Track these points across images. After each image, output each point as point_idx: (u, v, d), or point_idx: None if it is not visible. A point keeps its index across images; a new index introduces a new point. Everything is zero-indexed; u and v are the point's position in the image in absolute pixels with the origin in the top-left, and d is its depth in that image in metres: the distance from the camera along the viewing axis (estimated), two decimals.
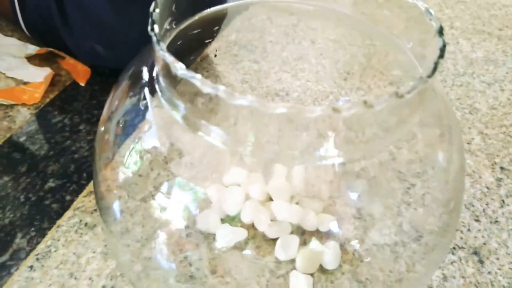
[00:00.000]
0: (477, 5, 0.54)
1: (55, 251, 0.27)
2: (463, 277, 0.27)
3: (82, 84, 0.40)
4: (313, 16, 0.34)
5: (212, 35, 0.35)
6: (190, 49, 0.23)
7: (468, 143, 0.36)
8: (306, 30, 0.41)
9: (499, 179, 0.33)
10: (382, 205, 0.27)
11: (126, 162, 0.17)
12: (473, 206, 0.31)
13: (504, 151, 0.35)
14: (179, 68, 0.13)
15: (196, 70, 0.42)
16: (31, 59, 0.41)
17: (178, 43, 0.21)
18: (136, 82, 0.17)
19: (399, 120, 0.15)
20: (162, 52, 0.13)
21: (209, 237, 0.25)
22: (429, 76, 0.14)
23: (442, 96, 0.21)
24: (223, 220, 0.26)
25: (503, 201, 0.32)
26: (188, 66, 0.14)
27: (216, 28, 0.34)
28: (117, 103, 0.17)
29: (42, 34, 0.41)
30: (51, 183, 0.31)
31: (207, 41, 0.34)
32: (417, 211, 0.25)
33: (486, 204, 0.31)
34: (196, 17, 0.19)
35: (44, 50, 0.41)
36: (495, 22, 0.51)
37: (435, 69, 0.14)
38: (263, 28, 0.43)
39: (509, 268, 0.27)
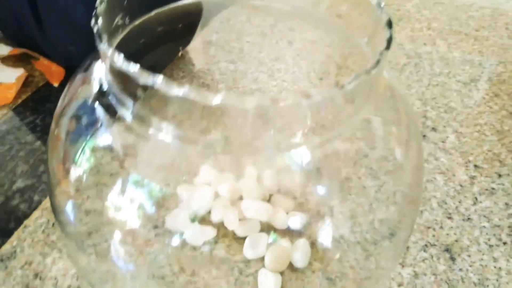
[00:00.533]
0: (454, 7, 0.54)
1: (20, 251, 0.27)
2: (434, 274, 0.27)
3: (56, 85, 0.39)
4: (291, 17, 0.34)
5: (186, 33, 0.35)
6: (153, 48, 0.22)
7: (443, 142, 0.36)
8: (284, 31, 0.41)
9: (473, 177, 0.33)
10: (354, 203, 0.27)
11: (78, 160, 0.17)
12: (446, 203, 0.31)
13: (478, 149, 0.35)
14: (116, 60, 0.13)
15: (172, 71, 0.42)
16: (4, 60, 0.41)
17: (141, 40, 0.21)
18: (89, 76, 0.17)
19: (346, 113, 0.15)
20: (102, 45, 0.13)
21: (178, 237, 0.25)
22: (373, 68, 0.13)
23: (400, 95, 0.21)
24: (192, 220, 0.26)
25: (476, 198, 0.32)
26: (156, 64, 0.14)
27: (191, 27, 0.34)
28: (70, 97, 0.17)
29: (16, 35, 0.40)
30: (19, 184, 0.31)
31: (181, 41, 0.33)
32: (387, 209, 0.25)
33: (459, 202, 0.31)
34: (153, 13, 0.19)
35: (18, 50, 0.41)
36: (472, 23, 0.51)
37: (378, 61, 0.14)
38: (242, 29, 0.43)
39: (480, 265, 0.27)
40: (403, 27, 0.51)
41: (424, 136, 0.36)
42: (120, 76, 0.13)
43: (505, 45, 0.48)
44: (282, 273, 0.25)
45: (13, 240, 0.27)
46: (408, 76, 0.43)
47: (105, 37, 0.13)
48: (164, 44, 0.25)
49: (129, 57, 0.16)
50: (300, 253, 0.25)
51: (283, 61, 0.43)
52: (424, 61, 0.45)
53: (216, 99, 0.12)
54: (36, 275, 0.25)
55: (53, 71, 0.40)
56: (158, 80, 0.12)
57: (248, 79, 0.41)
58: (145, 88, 0.14)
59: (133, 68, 0.12)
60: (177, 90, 0.12)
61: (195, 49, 0.42)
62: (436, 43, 0.48)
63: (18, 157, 0.32)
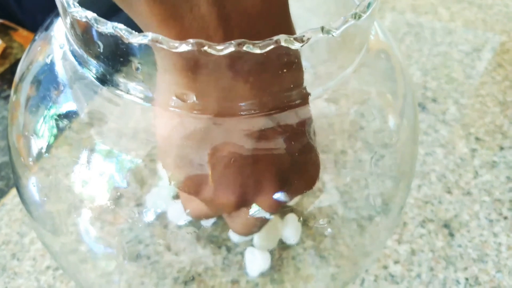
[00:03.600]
0: None
1: None
2: (432, 250, 0.26)
3: None
4: None
5: None
6: None
7: (443, 113, 0.34)
8: None
9: (473, 150, 0.32)
10: (349, 177, 0.25)
11: (40, 130, 0.15)
12: (445, 177, 0.30)
13: (480, 121, 0.34)
14: (72, 8, 0.11)
15: None
16: None
17: None
18: (49, 35, 0.15)
19: (335, 65, 0.14)
20: None
21: (161, 216, 0.24)
22: (363, 12, 0.12)
23: (397, 60, 0.19)
24: (174, 197, 0.24)
25: (476, 172, 0.30)
26: None
27: None
28: (29, 60, 0.15)
29: None
30: None
31: None
32: (383, 183, 0.23)
33: (459, 176, 0.30)
34: None
35: None
36: None
37: (369, 4, 0.12)
38: None
39: (479, 241, 0.26)
40: None
41: (423, 107, 0.35)
42: (81, 31, 0.12)
43: (509, 14, 0.46)
44: (271, 251, 0.24)
45: None
46: (408, 46, 0.41)
47: None
48: None
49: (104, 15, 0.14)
50: (290, 230, 0.24)
51: None
52: (425, 30, 0.43)
53: (183, 46, 0.10)
54: (13, 256, 0.24)
55: None
56: (118, 27, 0.10)
57: None
58: (108, 42, 0.12)
59: (90, 15, 0.11)
60: (139, 38, 0.10)
61: None
62: (438, 12, 0.45)
63: None
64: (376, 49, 0.18)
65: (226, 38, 0.11)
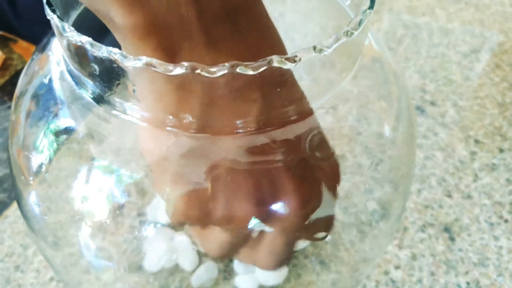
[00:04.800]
0: None
1: (0, 243, 0.26)
2: (432, 255, 0.26)
3: None
4: None
5: None
6: None
7: (442, 116, 0.34)
8: (275, 3, 0.39)
9: (473, 153, 0.32)
10: (349, 183, 0.26)
11: (40, 146, 0.15)
12: (445, 181, 0.30)
13: (479, 123, 0.34)
14: (67, 29, 0.11)
15: None
16: None
17: None
18: (48, 53, 0.15)
19: (328, 80, 0.14)
20: (50, 14, 0.11)
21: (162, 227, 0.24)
22: (354, 29, 0.12)
23: (391, 68, 0.19)
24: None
25: (476, 175, 0.30)
26: None
27: None
28: (29, 77, 0.15)
29: None
30: None
31: None
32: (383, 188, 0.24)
33: (459, 179, 0.30)
34: None
35: None
36: None
37: (360, 21, 0.12)
38: None
39: (480, 244, 0.26)
40: None
41: (422, 110, 0.35)
42: (76, 52, 0.12)
43: (507, 14, 0.46)
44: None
45: None
46: (406, 48, 0.41)
47: (54, 7, 0.11)
48: None
49: (95, 34, 0.14)
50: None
51: None
52: (423, 31, 0.43)
53: (177, 70, 0.10)
54: (17, 268, 0.24)
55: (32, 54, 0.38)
56: (113, 51, 0.10)
57: None
58: (103, 64, 0.12)
59: (85, 39, 0.11)
60: (134, 62, 0.10)
61: None
62: (435, 13, 0.45)
63: None
64: (369, 57, 0.18)
65: (199, 16, 0.11)
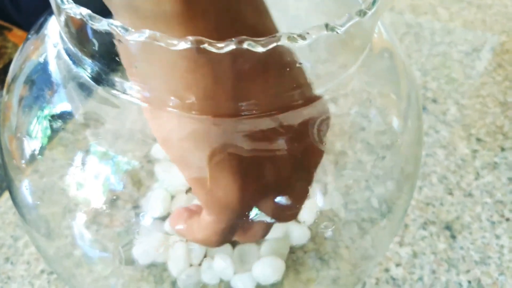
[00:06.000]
0: None
1: None
2: (434, 253, 0.25)
3: None
4: None
5: None
6: None
7: (444, 114, 0.34)
8: None
9: (475, 151, 0.31)
10: (350, 179, 0.25)
11: (33, 131, 0.14)
12: (446, 179, 0.29)
13: (480, 122, 0.33)
14: (66, 4, 0.10)
15: None
16: None
17: None
18: (43, 34, 0.15)
19: (337, 65, 0.13)
20: None
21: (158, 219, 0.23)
22: (368, 9, 0.11)
23: (401, 59, 0.19)
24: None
25: (478, 173, 0.30)
26: None
27: None
28: (23, 60, 0.15)
29: None
30: None
31: None
32: (385, 184, 0.23)
33: (460, 177, 0.30)
34: None
35: None
36: None
37: (374, 2, 0.11)
38: None
39: (481, 243, 0.26)
40: None
41: (424, 108, 0.34)
42: (75, 29, 0.11)
43: (509, 14, 0.45)
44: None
45: None
46: (408, 46, 0.41)
47: None
48: None
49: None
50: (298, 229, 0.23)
51: None
52: (425, 30, 0.42)
53: (181, 44, 0.10)
54: (7, 259, 0.24)
55: None
56: (114, 23, 0.10)
57: None
58: (103, 40, 0.11)
59: (85, 12, 0.10)
60: (137, 35, 0.10)
61: None
62: (437, 12, 0.45)
63: None
64: (379, 48, 0.18)
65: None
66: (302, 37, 0.10)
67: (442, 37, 0.42)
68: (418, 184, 0.29)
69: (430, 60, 0.39)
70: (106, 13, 0.12)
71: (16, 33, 0.38)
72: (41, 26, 0.15)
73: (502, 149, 0.31)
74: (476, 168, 0.30)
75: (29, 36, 0.15)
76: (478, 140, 0.32)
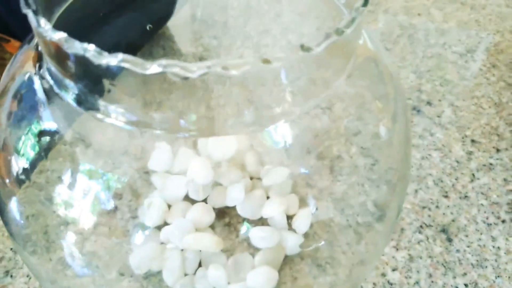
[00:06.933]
0: None
1: None
2: (430, 256, 0.26)
3: None
4: None
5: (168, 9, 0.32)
6: (111, 19, 0.20)
7: (439, 116, 0.34)
8: (271, 3, 0.39)
9: (470, 153, 0.32)
10: (345, 184, 0.25)
11: (21, 148, 0.15)
12: (442, 181, 0.30)
13: (476, 123, 0.34)
14: (42, 24, 0.10)
15: (151, 48, 0.39)
16: None
17: (100, 13, 0.19)
18: (32, 49, 0.15)
19: (322, 80, 0.13)
20: (25, 9, 0.11)
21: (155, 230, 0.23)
22: (346, 26, 0.11)
23: (387, 68, 0.19)
24: (148, 206, 0.24)
25: (473, 175, 0.30)
26: (131, 43, 0.11)
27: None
28: (12, 74, 0.15)
29: None
30: None
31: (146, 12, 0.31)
32: (379, 188, 0.23)
33: (456, 179, 0.30)
34: None
35: None
36: None
37: (353, 19, 0.12)
38: (225, 2, 0.40)
39: (478, 245, 0.26)
40: None
41: (418, 110, 0.35)
42: (55, 51, 0.11)
43: (502, 14, 0.45)
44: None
45: None
46: (402, 48, 0.41)
47: (32, 0, 0.11)
48: (127, 14, 0.23)
49: (88, 30, 0.14)
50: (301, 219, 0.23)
51: (270, 35, 0.40)
52: (419, 32, 0.43)
53: (153, 68, 0.10)
54: (6, 273, 0.24)
55: None
56: (88, 48, 0.10)
57: (233, 55, 0.39)
58: (82, 62, 0.11)
59: (59, 36, 0.10)
60: (109, 59, 0.10)
61: (176, 24, 0.40)
62: (431, 13, 0.45)
63: None
64: (364, 57, 0.18)
65: None
66: (278, 59, 0.11)
67: (436, 38, 0.42)
68: (414, 187, 0.29)
69: (424, 62, 0.39)
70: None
71: (14, 44, 0.38)
72: (29, 41, 0.15)
73: (497, 150, 0.32)
74: (471, 170, 0.30)
75: (19, 51, 0.16)
76: (473, 141, 0.32)
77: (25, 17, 0.36)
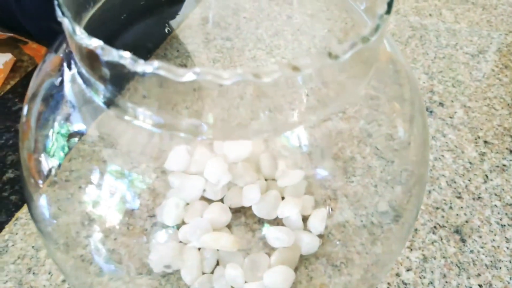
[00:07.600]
0: None
1: (12, 245, 0.26)
2: (444, 257, 0.26)
3: None
4: None
5: (171, 4, 0.33)
6: (134, 22, 0.21)
7: (451, 117, 0.34)
8: (282, 5, 0.39)
9: (483, 154, 0.32)
10: (359, 185, 0.25)
11: (51, 149, 0.15)
12: (455, 182, 0.30)
13: (488, 124, 0.34)
14: (77, 32, 0.11)
15: (165, 51, 0.40)
16: None
17: (122, 16, 0.19)
18: (60, 55, 0.15)
19: (344, 87, 0.14)
20: (61, 17, 0.11)
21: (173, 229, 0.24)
22: (371, 35, 0.12)
23: (404, 69, 0.19)
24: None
25: (486, 176, 0.30)
26: (145, 44, 0.12)
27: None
28: (41, 79, 0.15)
29: (1, 18, 0.38)
30: (10, 174, 0.29)
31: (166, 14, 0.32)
32: (394, 189, 0.23)
33: (469, 180, 0.30)
34: None
35: (4, 35, 0.39)
36: None
37: (378, 26, 0.12)
38: (237, 4, 0.41)
39: (491, 246, 0.26)
40: None
41: (431, 111, 0.35)
42: (88, 55, 0.12)
43: None
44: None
45: (4, 234, 0.26)
46: (413, 49, 0.41)
47: (66, 8, 0.11)
48: (146, 17, 0.23)
49: (109, 34, 0.14)
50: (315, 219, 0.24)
51: (282, 37, 0.41)
52: (430, 33, 0.43)
53: (188, 76, 0.10)
54: (29, 270, 0.24)
55: (42, 55, 0.38)
56: (124, 56, 0.10)
57: (246, 57, 0.39)
58: (114, 68, 0.12)
59: (96, 43, 0.11)
60: (144, 67, 0.10)
61: (190, 26, 0.40)
62: (442, 14, 0.45)
63: (8, 146, 0.31)
64: (383, 60, 0.18)
65: None
66: (305, 66, 0.11)
67: (447, 39, 0.42)
68: (427, 188, 0.29)
69: (436, 63, 0.39)
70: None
71: (31, 46, 0.39)
72: (58, 47, 0.16)
73: (511, 152, 0.32)
74: (484, 171, 0.30)
75: (46, 57, 0.16)
76: (486, 142, 0.32)
77: (38, 15, 0.36)
